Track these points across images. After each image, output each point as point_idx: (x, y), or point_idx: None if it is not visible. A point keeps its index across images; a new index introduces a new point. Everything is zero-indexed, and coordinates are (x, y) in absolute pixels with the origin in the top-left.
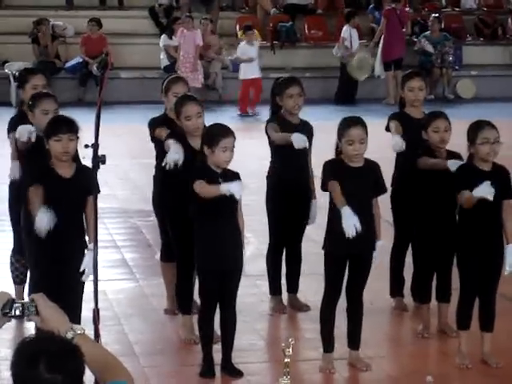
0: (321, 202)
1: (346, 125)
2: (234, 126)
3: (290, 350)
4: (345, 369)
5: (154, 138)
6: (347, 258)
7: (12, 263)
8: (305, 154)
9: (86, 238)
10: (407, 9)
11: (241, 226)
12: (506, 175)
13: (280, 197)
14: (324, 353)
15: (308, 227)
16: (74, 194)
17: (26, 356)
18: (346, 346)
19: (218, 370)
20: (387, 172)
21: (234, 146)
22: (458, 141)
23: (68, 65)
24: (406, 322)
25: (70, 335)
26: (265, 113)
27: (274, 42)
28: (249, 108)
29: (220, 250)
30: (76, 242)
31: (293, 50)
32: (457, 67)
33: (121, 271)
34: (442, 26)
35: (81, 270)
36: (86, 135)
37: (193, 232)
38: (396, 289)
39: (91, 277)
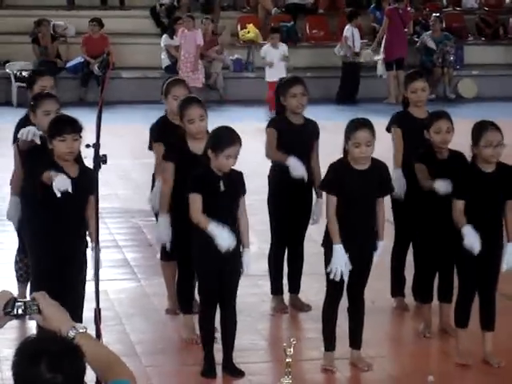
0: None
1: (354, 127)
2: (235, 124)
3: (292, 349)
4: (346, 368)
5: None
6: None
7: (16, 262)
8: (307, 155)
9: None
10: (409, 8)
11: (243, 226)
12: (510, 175)
13: (281, 198)
14: (325, 351)
15: (309, 227)
16: (77, 194)
17: (27, 356)
18: (348, 345)
19: (219, 369)
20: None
21: (238, 153)
22: (459, 140)
23: (69, 65)
24: (408, 321)
25: (71, 334)
26: None
27: None
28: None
29: (216, 250)
30: (78, 241)
31: (294, 49)
32: (458, 67)
33: (122, 271)
34: (444, 25)
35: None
36: (87, 135)
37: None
38: (397, 288)
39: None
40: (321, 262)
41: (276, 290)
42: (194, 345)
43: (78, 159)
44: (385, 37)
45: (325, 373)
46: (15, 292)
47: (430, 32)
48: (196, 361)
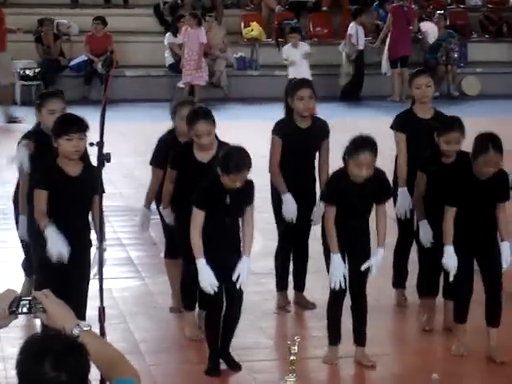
0: None
1: (356, 147)
2: (239, 122)
3: (296, 347)
4: (351, 366)
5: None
6: (344, 255)
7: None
8: (310, 158)
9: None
10: (413, 6)
11: (246, 234)
12: (503, 180)
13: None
14: (329, 345)
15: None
16: (80, 193)
17: (32, 354)
18: (351, 343)
19: (222, 367)
20: (390, 170)
21: (246, 177)
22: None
23: (73, 63)
24: (412, 319)
25: (76, 332)
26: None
27: (279, 39)
28: None
29: (217, 260)
30: (82, 240)
31: None
32: (462, 64)
33: (126, 269)
34: (447, 23)
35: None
36: (91, 133)
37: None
38: (399, 280)
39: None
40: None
41: (281, 287)
42: (197, 342)
43: (83, 157)
44: (389, 34)
45: (326, 366)
46: (19, 289)
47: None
48: (200, 359)
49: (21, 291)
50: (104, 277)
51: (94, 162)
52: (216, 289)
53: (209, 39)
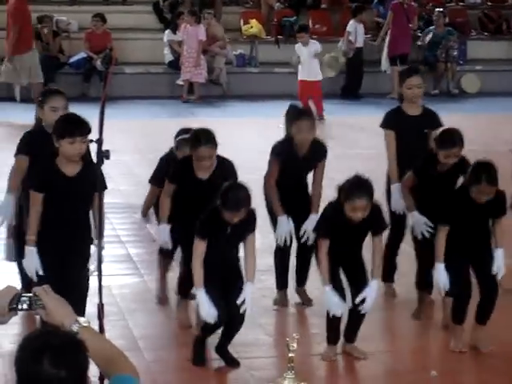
0: (327, 194)
1: (353, 192)
2: (238, 119)
3: (295, 344)
4: (349, 364)
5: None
6: (339, 254)
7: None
8: (304, 181)
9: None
10: (413, 3)
11: (249, 264)
12: (499, 201)
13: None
14: (328, 344)
15: None
16: (79, 192)
17: (30, 351)
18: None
19: (220, 364)
20: (384, 169)
21: (244, 214)
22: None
23: (72, 60)
24: (409, 316)
25: (75, 328)
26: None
27: (279, 36)
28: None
29: (218, 283)
30: (82, 237)
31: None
32: (461, 62)
33: (125, 266)
34: (447, 20)
35: (89, 266)
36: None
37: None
38: (388, 274)
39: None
40: None
41: (281, 285)
42: (187, 329)
43: (85, 155)
44: (389, 32)
45: (324, 363)
46: (19, 286)
47: (432, 27)
48: None
49: (21, 288)
50: (103, 274)
51: (94, 159)
52: (216, 318)
53: (209, 35)
